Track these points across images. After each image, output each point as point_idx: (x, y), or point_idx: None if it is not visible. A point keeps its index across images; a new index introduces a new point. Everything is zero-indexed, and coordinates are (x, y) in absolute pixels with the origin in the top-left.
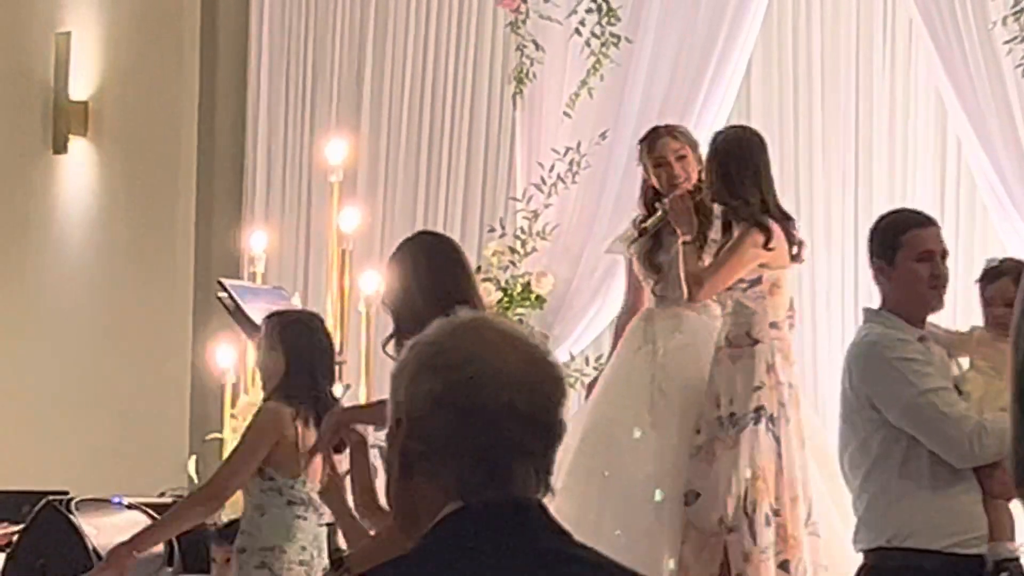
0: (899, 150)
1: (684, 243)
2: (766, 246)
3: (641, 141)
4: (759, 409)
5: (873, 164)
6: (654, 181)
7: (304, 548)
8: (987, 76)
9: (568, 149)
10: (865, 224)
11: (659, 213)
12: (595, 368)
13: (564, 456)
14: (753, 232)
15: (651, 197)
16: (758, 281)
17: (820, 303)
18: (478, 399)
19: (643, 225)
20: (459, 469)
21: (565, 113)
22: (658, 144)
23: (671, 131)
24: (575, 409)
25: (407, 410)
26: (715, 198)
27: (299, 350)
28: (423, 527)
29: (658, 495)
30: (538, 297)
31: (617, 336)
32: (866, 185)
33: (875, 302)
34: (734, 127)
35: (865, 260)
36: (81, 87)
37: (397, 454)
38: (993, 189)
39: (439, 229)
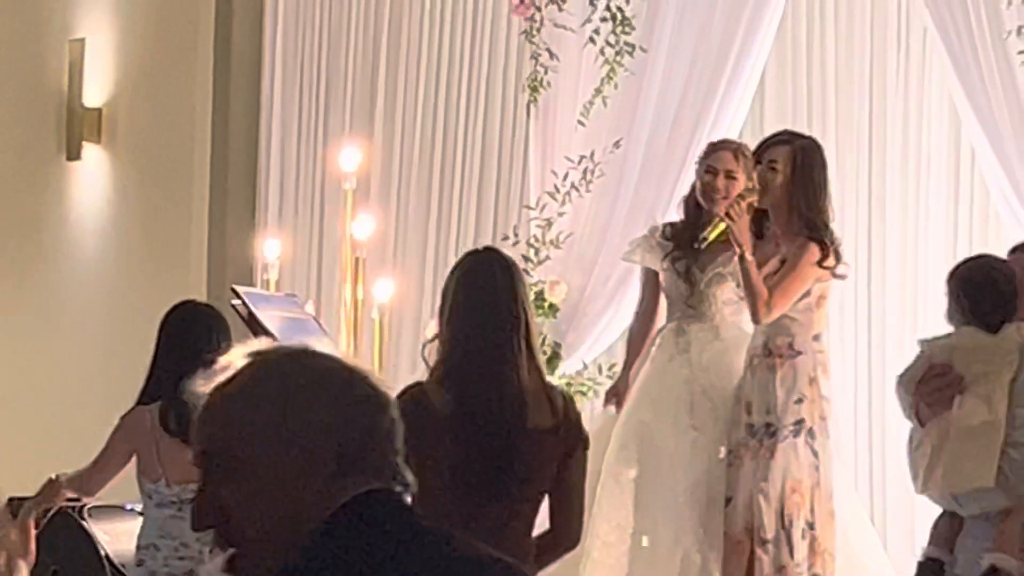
0: (913, 159)
1: (743, 259)
2: (820, 263)
3: (708, 145)
4: (799, 422)
5: (887, 173)
6: (698, 185)
7: (185, 545)
8: (1001, 86)
9: (582, 157)
10: (878, 234)
11: (720, 226)
12: (608, 377)
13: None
14: (812, 247)
15: (693, 205)
16: (807, 294)
17: (833, 314)
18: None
19: (703, 236)
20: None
21: (579, 121)
22: (715, 154)
23: (736, 149)
24: (591, 418)
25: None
26: (791, 204)
27: (166, 345)
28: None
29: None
30: (551, 306)
31: (632, 347)
32: (879, 194)
33: (888, 312)
34: (805, 135)
35: (878, 269)
36: (95, 94)
37: (333, 454)
38: (1007, 199)
39: (452, 237)
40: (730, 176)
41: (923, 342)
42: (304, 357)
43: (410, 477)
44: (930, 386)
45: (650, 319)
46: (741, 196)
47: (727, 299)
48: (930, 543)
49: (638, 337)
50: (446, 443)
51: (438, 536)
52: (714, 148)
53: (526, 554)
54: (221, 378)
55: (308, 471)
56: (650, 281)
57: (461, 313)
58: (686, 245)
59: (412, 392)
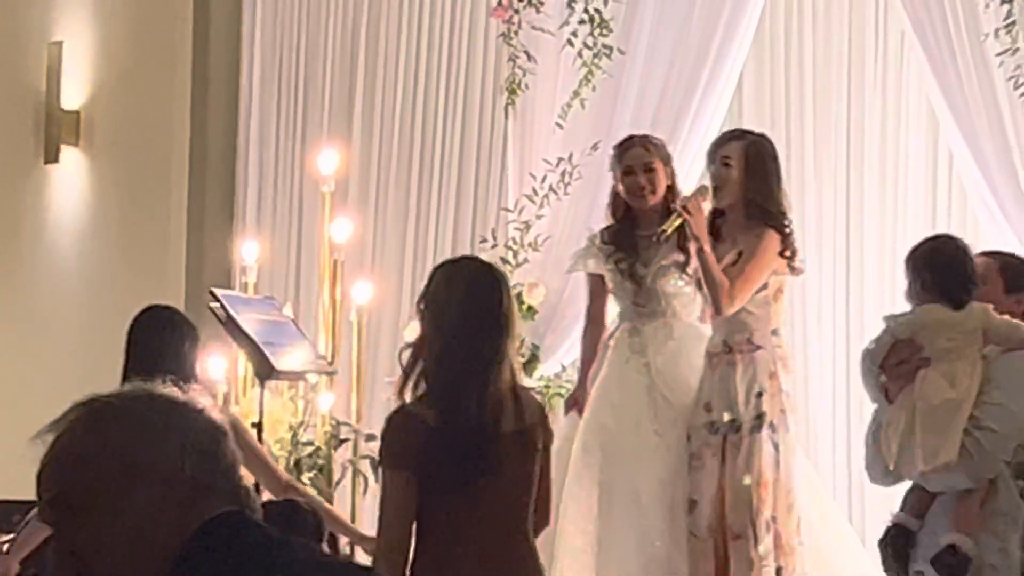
0: (891, 161)
1: (701, 251)
2: (782, 253)
3: (615, 148)
4: (760, 416)
5: (865, 175)
6: (621, 188)
7: None
8: (979, 88)
9: (560, 160)
10: (856, 235)
11: (677, 221)
12: None
13: (559, 466)
14: (771, 234)
15: (623, 210)
16: (764, 287)
17: (811, 314)
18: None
19: (663, 229)
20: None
21: (557, 124)
22: (628, 153)
23: (644, 141)
24: (558, 422)
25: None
26: (747, 196)
27: (132, 352)
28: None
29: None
30: (530, 308)
31: (586, 352)
32: (858, 196)
33: (867, 312)
34: (756, 132)
35: (856, 270)
36: (73, 96)
37: (184, 482)
38: (984, 201)
39: (430, 240)
40: (649, 169)
41: (888, 318)
42: (138, 394)
43: (257, 501)
44: (894, 360)
45: (599, 325)
46: (698, 191)
47: (674, 291)
48: (901, 509)
49: (590, 344)
50: (436, 455)
51: (293, 547)
52: (623, 149)
53: (529, 558)
54: (56, 428)
55: (161, 502)
56: (596, 287)
57: (457, 325)
58: (627, 246)
59: (399, 416)
